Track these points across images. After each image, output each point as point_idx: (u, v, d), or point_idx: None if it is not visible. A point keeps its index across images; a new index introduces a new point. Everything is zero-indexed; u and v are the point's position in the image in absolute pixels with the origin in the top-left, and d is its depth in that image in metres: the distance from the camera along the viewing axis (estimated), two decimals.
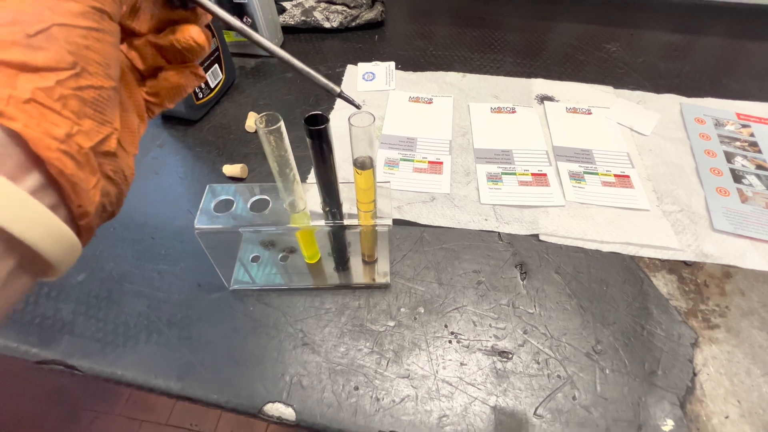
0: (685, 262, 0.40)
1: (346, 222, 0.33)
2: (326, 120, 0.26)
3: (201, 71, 0.21)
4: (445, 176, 0.47)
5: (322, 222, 0.33)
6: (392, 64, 0.62)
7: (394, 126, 0.53)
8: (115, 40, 0.15)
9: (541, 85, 0.59)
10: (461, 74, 0.60)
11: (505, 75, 0.61)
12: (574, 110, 0.55)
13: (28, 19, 0.13)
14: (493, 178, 0.47)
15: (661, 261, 0.40)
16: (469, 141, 0.51)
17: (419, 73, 0.61)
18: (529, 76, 0.61)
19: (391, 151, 0.50)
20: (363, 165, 0.28)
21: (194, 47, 0.19)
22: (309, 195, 0.33)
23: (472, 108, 0.55)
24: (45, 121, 0.13)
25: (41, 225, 0.13)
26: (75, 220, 0.15)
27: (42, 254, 0.14)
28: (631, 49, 0.66)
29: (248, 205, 0.33)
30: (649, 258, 0.40)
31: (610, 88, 0.59)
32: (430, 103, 0.56)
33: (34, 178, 0.13)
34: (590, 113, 0.55)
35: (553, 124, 0.53)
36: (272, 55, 0.20)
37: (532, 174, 0.47)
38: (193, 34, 0.19)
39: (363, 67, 0.61)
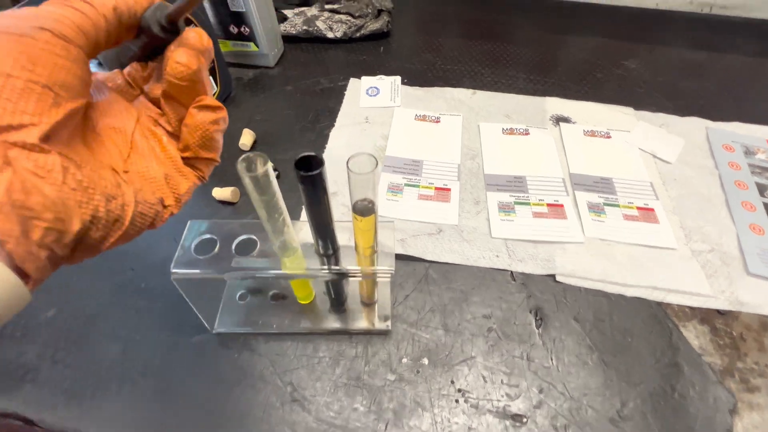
0: (718, 311, 0.36)
1: (344, 268, 0.29)
2: (321, 163, 0.22)
3: (210, 100, 0.19)
4: (452, 205, 0.43)
5: (318, 267, 0.29)
6: (398, 78, 0.58)
7: (399, 147, 0.49)
8: (58, 51, 0.14)
9: (556, 104, 0.55)
10: (471, 91, 0.57)
11: (517, 92, 0.57)
12: (592, 133, 0.51)
13: None
14: (506, 208, 0.43)
15: (692, 309, 0.36)
16: (479, 165, 0.48)
17: (426, 89, 0.57)
18: (543, 93, 0.57)
19: (394, 175, 0.46)
20: (363, 212, 0.24)
21: (181, 69, 0.18)
22: (303, 233, 0.30)
23: (482, 128, 0.52)
24: None
25: None
26: None
27: None
28: (651, 67, 0.62)
29: (233, 247, 0.29)
30: (677, 305, 0.36)
31: (630, 110, 0.55)
32: (437, 122, 0.53)
33: None
34: (609, 137, 0.51)
35: (570, 148, 0.49)
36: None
37: (548, 204, 0.44)
38: (175, 57, 0.18)
39: (367, 81, 0.58)
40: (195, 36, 0.18)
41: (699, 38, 0.68)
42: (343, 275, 0.29)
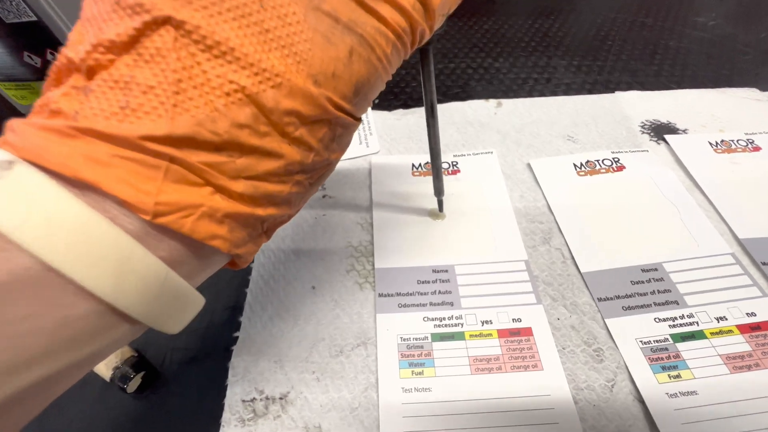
0: None
1: None
2: None
3: None
4: (551, 373, 0.20)
5: None
6: None
7: (397, 245, 0.25)
8: None
9: (638, 103, 0.33)
10: (494, 102, 0.33)
11: (566, 92, 0.34)
12: (728, 146, 0.29)
13: None
14: (662, 358, 0.20)
15: None
16: (564, 254, 0.24)
17: (417, 111, 0.33)
18: (607, 87, 0.35)
19: (403, 315, 0.22)
20: None
21: None
22: None
23: (537, 170, 0.28)
24: None
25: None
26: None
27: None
28: (737, 20, 0.41)
29: None
30: None
31: (754, 91, 0.33)
32: (456, 172, 0.29)
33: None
34: (758, 148, 0.29)
35: (710, 186, 0.27)
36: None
37: (739, 327, 0.21)
38: None
39: None
40: None
41: None
42: None
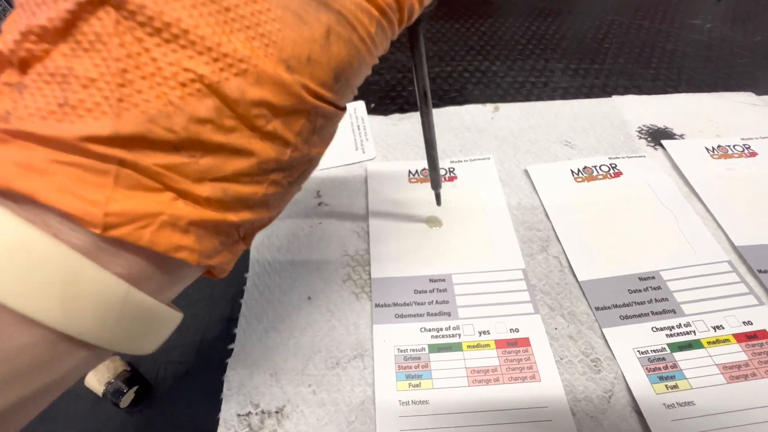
0: None
1: None
2: None
3: None
4: (549, 384, 0.20)
5: None
6: (360, 105, 0.33)
7: (394, 253, 0.25)
8: None
9: (636, 107, 0.33)
10: (492, 106, 0.33)
11: (563, 95, 0.34)
12: (724, 151, 0.29)
13: None
14: (658, 369, 0.20)
15: None
16: (560, 263, 0.24)
17: (414, 116, 0.33)
18: (604, 92, 0.34)
19: (400, 326, 0.22)
20: None
21: None
22: None
23: (535, 176, 0.28)
24: None
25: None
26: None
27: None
28: (734, 24, 0.41)
29: None
30: None
31: (749, 96, 0.33)
32: (453, 179, 0.28)
33: None
34: (754, 154, 0.29)
35: (705, 190, 0.27)
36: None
37: (736, 337, 0.21)
38: None
39: None
40: None
41: None
42: None
